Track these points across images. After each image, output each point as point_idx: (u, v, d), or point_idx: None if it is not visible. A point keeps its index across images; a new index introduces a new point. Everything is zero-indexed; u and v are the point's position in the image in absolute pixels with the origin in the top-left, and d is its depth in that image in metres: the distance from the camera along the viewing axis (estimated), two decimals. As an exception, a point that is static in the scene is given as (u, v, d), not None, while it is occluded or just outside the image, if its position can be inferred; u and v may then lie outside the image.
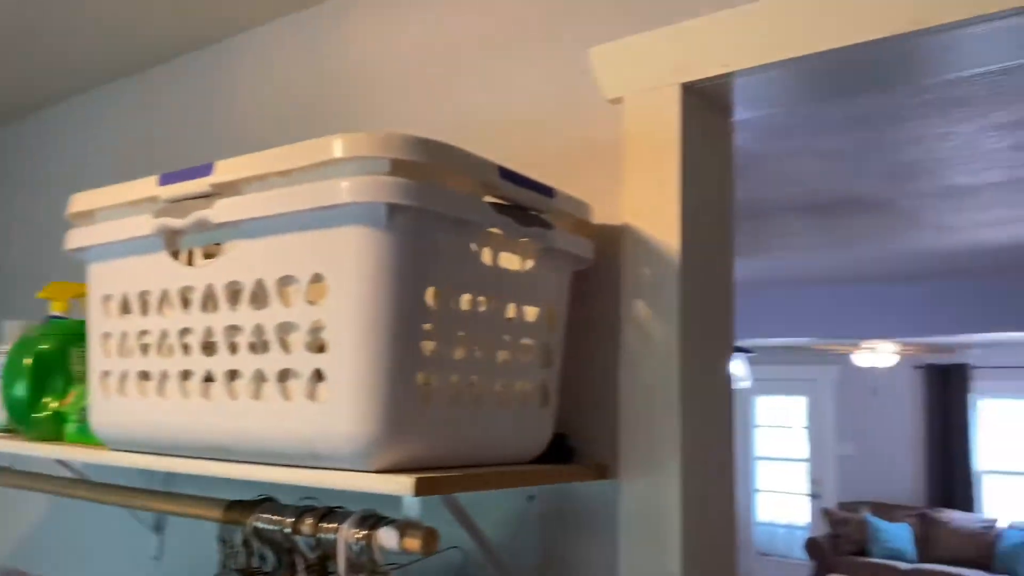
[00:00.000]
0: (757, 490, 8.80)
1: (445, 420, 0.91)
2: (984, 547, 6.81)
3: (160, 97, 1.88)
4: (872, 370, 6.81)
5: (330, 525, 0.94)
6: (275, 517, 1.00)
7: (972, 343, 7.20)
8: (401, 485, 0.82)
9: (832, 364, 8.31)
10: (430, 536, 0.87)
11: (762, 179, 3.04)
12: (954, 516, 7.16)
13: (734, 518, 1.13)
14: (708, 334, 1.12)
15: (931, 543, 7.13)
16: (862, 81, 1.09)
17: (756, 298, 5.11)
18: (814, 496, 8.39)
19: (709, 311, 1.13)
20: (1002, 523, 6.92)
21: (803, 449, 8.58)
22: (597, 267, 1.15)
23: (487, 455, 0.98)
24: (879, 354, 6.27)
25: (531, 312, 1.03)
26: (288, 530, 0.98)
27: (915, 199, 3.19)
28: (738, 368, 2.90)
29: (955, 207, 3.25)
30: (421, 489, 0.82)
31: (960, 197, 3.12)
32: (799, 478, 8.60)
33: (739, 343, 3.85)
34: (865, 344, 6.19)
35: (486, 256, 0.95)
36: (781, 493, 8.70)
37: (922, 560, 7.06)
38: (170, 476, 1.55)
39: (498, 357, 0.97)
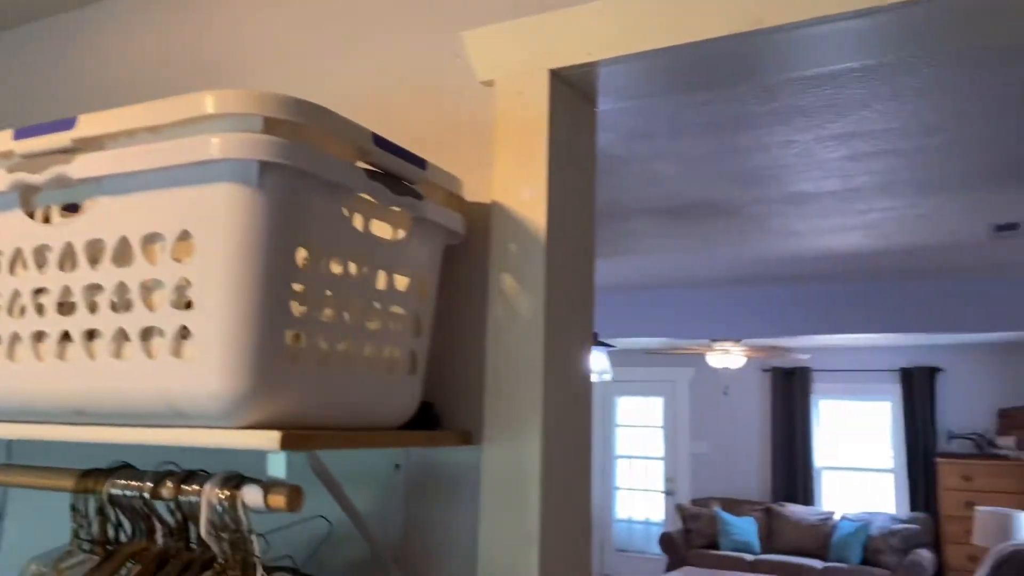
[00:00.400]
0: (617, 488, 9.11)
1: (313, 380, 0.92)
2: (821, 538, 7.34)
3: (25, 58, 1.78)
4: (724, 371, 7.21)
5: (192, 487, 0.93)
6: (132, 483, 0.97)
7: (813, 347, 7.77)
8: (267, 439, 0.83)
9: (688, 366, 8.73)
10: (295, 493, 0.88)
11: (625, 181, 3.18)
12: (795, 510, 7.68)
13: (589, 481, 1.19)
14: (571, 308, 1.18)
15: (774, 535, 7.61)
16: (715, 76, 1.18)
17: (617, 299, 5.32)
18: (669, 493, 8.78)
19: (572, 287, 1.19)
20: (837, 515, 7.49)
21: (660, 448, 8.96)
22: (467, 243, 1.19)
23: (355, 419, 1.00)
24: (731, 355, 6.65)
25: (402, 281, 1.06)
26: (147, 495, 0.96)
27: (764, 205, 3.42)
28: (600, 361, 3.03)
29: (799, 213, 3.51)
30: (288, 443, 0.83)
31: (803, 204, 3.37)
32: (656, 476, 8.97)
33: (601, 339, 4.01)
34: (718, 346, 6.55)
35: (358, 222, 0.97)
36: (639, 490, 9.04)
37: (766, 551, 7.53)
38: (11, 450, 1.47)
39: (368, 323, 0.99)
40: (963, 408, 7.51)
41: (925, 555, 6.74)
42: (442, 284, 1.18)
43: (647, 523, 8.90)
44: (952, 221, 3.56)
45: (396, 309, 1.04)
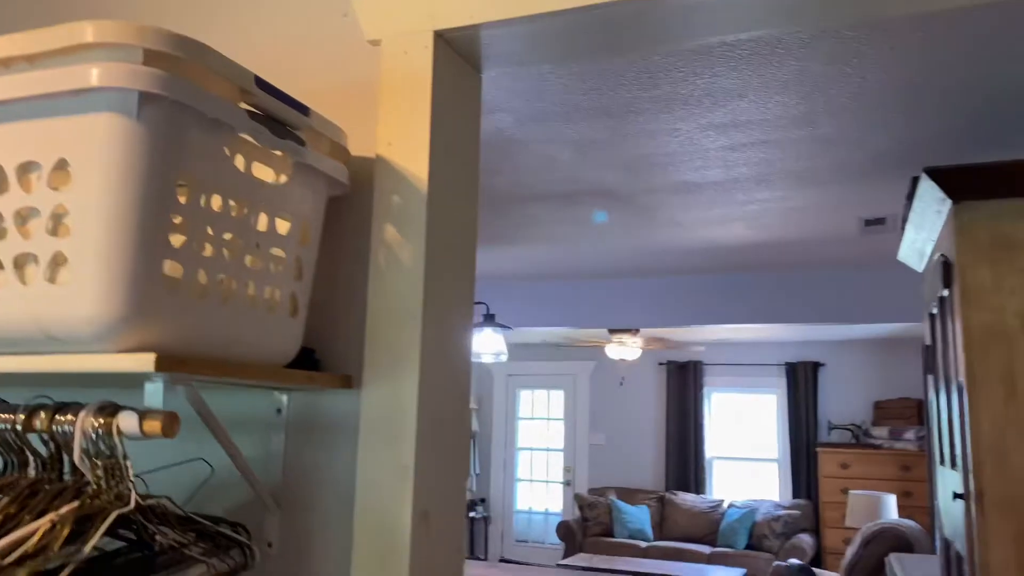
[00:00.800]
0: (518, 479, 9.24)
1: (192, 312, 0.95)
2: (710, 524, 7.65)
3: None
4: (622, 363, 7.42)
5: (66, 417, 0.94)
6: (4, 415, 0.98)
7: (706, 340, 8.09)
8: (142, 362, 0.85)
9: (588, 360, 8.94)
10: (170, 419, 0.91)
11: (524, 165, 3.27)
12: (687, 498, 7.98)
13: (468, 424, 1.25)
14: (452, 258, 1.24)
15: (667, 523, 7.89)
16: (595, 44, 1.26)
17: (520, 288, 5.43)
18: (567, 483, 8.96)
19: (453, 238, 1.25)
20: (725, 503, 7.81)
21: (560, 440, 9.14)
22: (352, 195, 1.24)
23: (235, 357, 1.03)
24: (628, 347, 6.86)
25: (283, 225, 1.09)
26: (19, 427, 0.96)
27: (654, 194, 3.57)
28: (497, 342, 3.10)
29: (686, 203, 3.68)
30: (163, 365, 0.86)
31: (689, 194, 3.54)
32: (556, 467, 9.14)
33: (499, 322, 4.10)
34: (616, 337, 6.74)
35: (239, 162, 1.00)
36: (540, 482, 9.20)
37: (659, 538, 7.80)
38: None
39: (248, 261, 1.03)
40: (842, 400, 7.96)
41: (805, 539, 7.12)
42: (327, 234, 1.22)
43: (546, 513, 9.07)
44: (825, 215, 3.80)
45: (277, 251, 1.08)
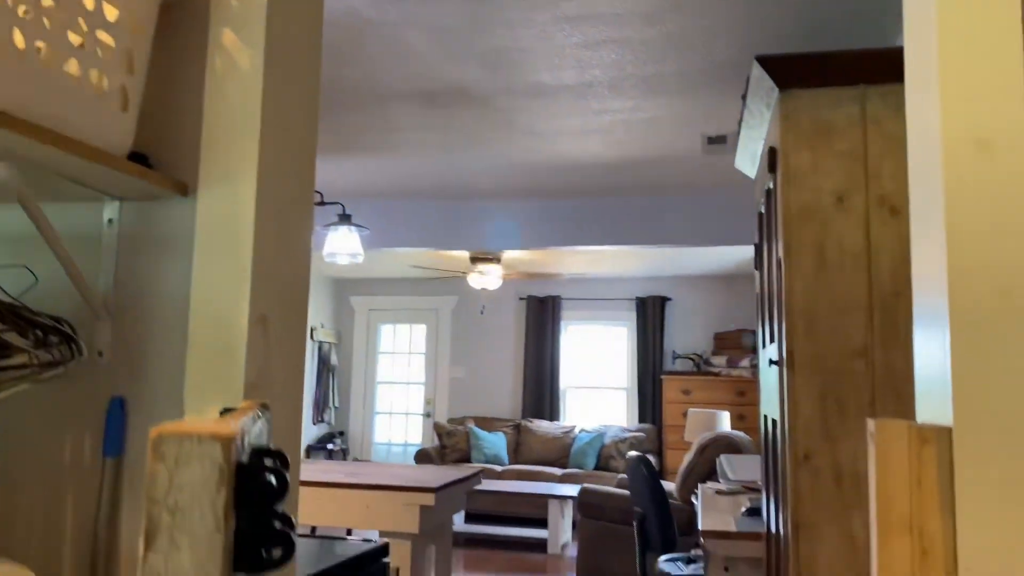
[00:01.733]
0: (377, 412, 9.27)
1: (10, 76, 0.90)
2: (563, 449, 7.97)
3: None
4: (483, 294, 7.53)
5: None
6: None
7: (565, 273, 8.35)
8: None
9: (450, 295, 9.02)
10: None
11: (377, 54, 3.21)
12: (542, 425, 8.27)
13: (309, 229, 1.26)
14: (292, 67, 1.23)
15: (522, 448, 8.16)
16: None
17: (381, 205, 5.38)
18: (427, 415, 9.08)
19: (295, 47, 1.24)
20: (577, 429, 8.16)
21: (421, 374, 9.22)
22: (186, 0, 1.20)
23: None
24: (488, 277, 6.96)
25: (111, 11, 1.05)
26: None
27: (510, 97, 3.61)
28: (352, 243, 3.08)
29: (542, 109, 3.75)
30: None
31: (544, 97, 3.60)
32: (416, 400, 9.23)
33: (356, 223, 4.05)
34: (477, 266, 6.83)
35: (62, -72, 0.95)
36: (399, 414, 9.26)
37: (514, 463, 8.06)
38: None
39: (71, 38, 0.98)
40: (686, 332, 8.44)
41: (649, 459, 7.57)
42: (163, 38, 1.18)
43: (405, 445, 9.16)
44: (672, 129, 3.99)
45: (104, 36, 1.04)
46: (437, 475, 2.97)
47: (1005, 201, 0.75)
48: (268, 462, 0.73)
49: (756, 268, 2.85)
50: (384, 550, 1.83)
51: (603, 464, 7.71)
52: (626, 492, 5.18)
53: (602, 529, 5.16)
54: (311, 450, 8.62)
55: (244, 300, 1.12)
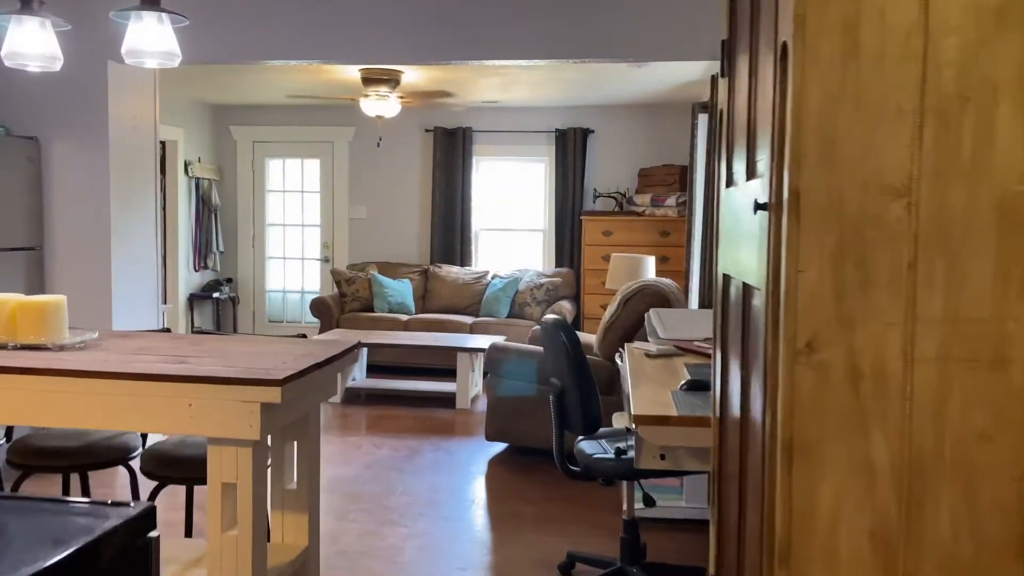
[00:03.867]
0: (270, 257, 8.41)
1: None
2: (474, 296, 7.36)
3: None
4: (380, 123, 6.56)
5: None
6: None
7: (472, 103, 7.39)
8: None
9: (347, 125, 7.99)
10: None
11: None
12: (451, 270, 7.60)
13: None
14: None
15: (430, 296, 7.51)
16: None
17: (232, 6, 4.31)
18: (325, 260, 8.28)
19: None
20: (490, 275, 7.53)
21: (316, 215, 8.32)
22: None
23: None
24: (386, 102, 6.00)
25: None
26: None
27: None
28: (164, 38, 2.16)
29: None
30: None
31: None
32: (312, 244, 8.38)
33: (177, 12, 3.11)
34: (371, 89, 5.84)
35: None
36: (294, 259, 8.43)
37: (421, 312, 7.43)
38: None
39: None
40: (608, 169, 7.73)
41: (566, 305, 7.04)
42: None
43: (302, 292, 8.40)
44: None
45: None
46: (293, 356, 2.24)
47: None
48: None
49: (723, 75, 2.08)
50: (147, 519, 1.11)
51: (517, 312, 7.15)
52: (540, 350, 4.61)
53: (512, 390, 4.61)
54: (195, 299, 7.78)
55: None
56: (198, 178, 7.83)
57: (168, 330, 3.82)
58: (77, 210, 4.48)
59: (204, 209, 7.92)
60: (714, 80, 5.04)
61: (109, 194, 4.45)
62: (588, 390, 2.72)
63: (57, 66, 2.41)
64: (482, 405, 5.97)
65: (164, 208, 7.56)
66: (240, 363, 2.15)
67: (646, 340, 3.69)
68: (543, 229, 7.93)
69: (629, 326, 4.37)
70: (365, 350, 6.47)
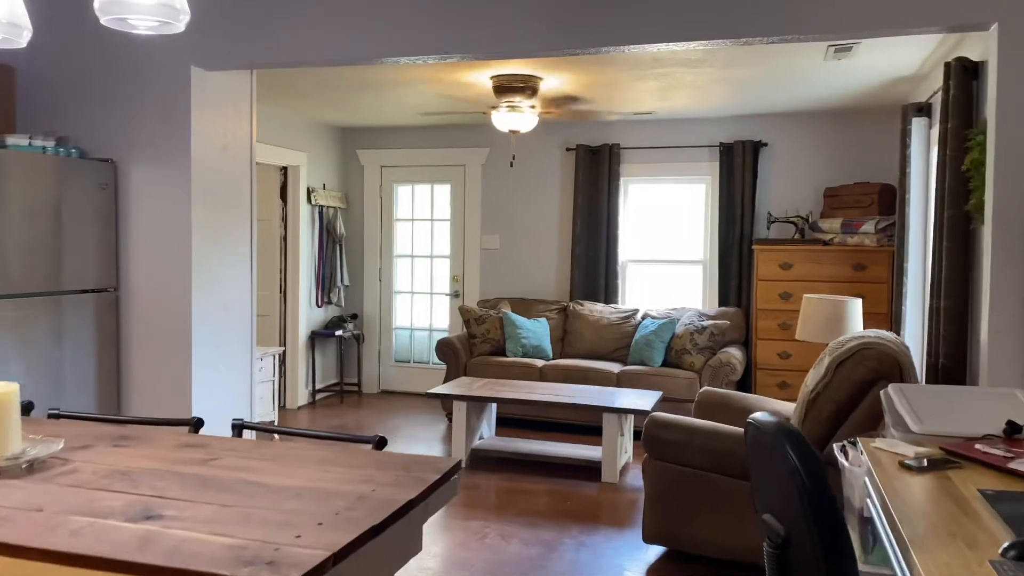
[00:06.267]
0: (397, 292, 7.68)
1: None
2: (621, 339, 6.30)
3: None
4: (516, 141, 5.63)
5: None
6: None
7: (621, 113, 6.37)
8: None
9: (481, 147, 7.17)
10: None
11: None
12: (595, 309, 6.56)
13: None
14: None
15: (570, 338, 6.50)
16: None
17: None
18: (455, 295, 7.45)
19: None
20: (640, 314, 6.44)
21: (445, 245, 7.52)
22: None
23: None
24: (521, 114, 5.09)
25: None
26: None
27: None
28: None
29: None
30: None
31: None
32: (441, 276, 7.58)
33: None
34: (504, 99, 4.94)
35: None
36: (422, 294, 7.65)
37: (560, 356, 6.44)
38: None
39: None
40: (785, 188, 6.49)
41: (735, 354, 5.83)
42: None
43: (431, 330, 7.61)
44: None
45: None
46: (346, 503, 1.28)
47: None
48: None
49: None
50: None
51: (674, 359, 6.01)
52: (721, 430, 3.49)
53: (680, 476, 3.51)
54: (316, 337, 7.13)
55: None
56: (322, 206, 7.22)
57: (200, 425, 2.98)
58: (157, 246, 3.80)
59: (328, 239, 7.30)
60: (948, 69, 3.78)
61: (190, 227, 3.73)
62: (836, 550, 1.61)
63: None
64: (632, 478, 4.87)
65: (285, 239, 7.01)
66: (243, 529, 1.21)
67: (878, 427, 2.51)
68: (703, 261, 6.76)
69: (844, 400, 3.19)
70: (494, 405, 5.54)
